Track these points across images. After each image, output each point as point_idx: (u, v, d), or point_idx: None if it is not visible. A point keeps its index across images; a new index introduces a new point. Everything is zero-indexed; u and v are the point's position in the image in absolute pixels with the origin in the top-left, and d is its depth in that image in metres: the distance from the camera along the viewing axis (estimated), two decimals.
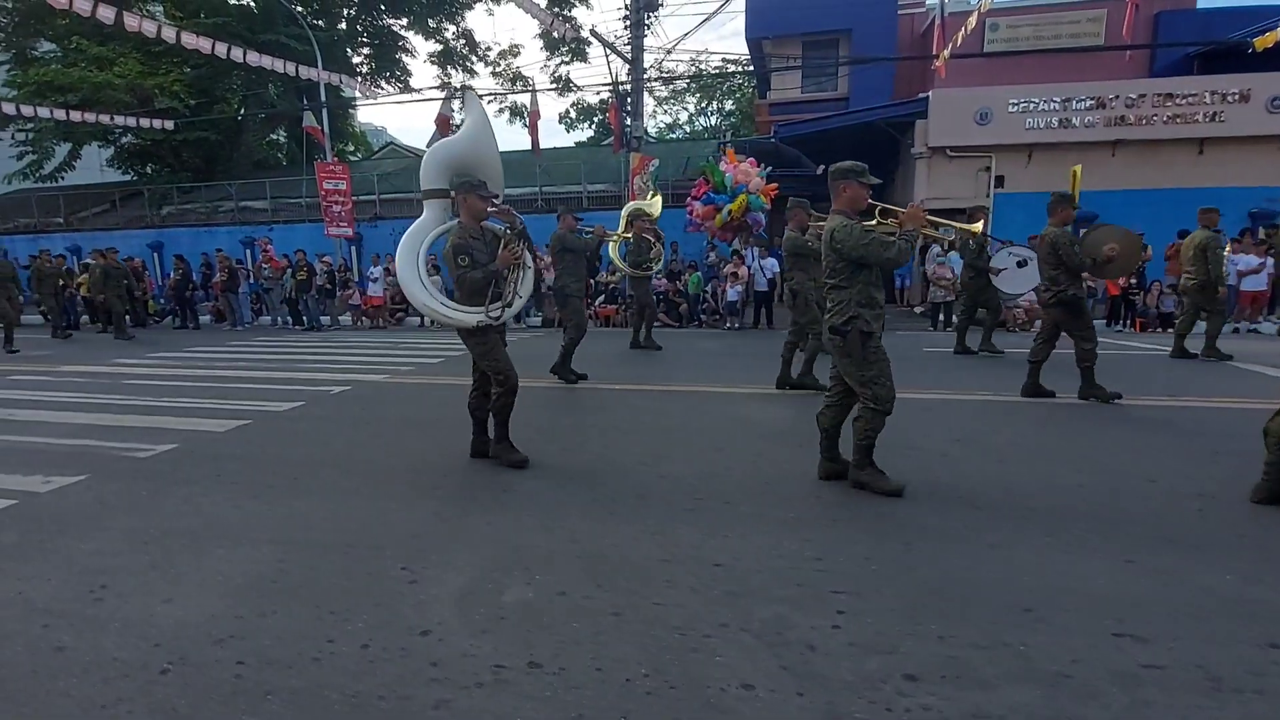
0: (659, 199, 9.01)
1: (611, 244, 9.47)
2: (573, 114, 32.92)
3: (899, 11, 18.34)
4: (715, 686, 1.92)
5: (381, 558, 2.83)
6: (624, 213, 9.71)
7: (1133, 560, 2.65)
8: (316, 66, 15.79)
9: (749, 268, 12.37)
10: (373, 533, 3.11)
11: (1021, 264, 8.19)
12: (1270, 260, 10.39)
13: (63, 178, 22.25)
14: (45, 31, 20.97)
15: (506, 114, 29.25)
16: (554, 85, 27.11)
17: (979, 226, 4.81)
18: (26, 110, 16.77)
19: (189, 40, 12.46)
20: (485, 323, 3.90)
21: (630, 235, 9.02)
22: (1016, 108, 13.78)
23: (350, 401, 6.18)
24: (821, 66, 19.25)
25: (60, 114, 16.54)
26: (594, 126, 33.09)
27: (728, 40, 66.31)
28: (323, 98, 17.96)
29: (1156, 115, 13.27)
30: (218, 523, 3.29)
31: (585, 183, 17.56)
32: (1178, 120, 13.22)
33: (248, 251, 18.18)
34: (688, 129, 35.61)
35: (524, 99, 25.55)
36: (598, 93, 28.50)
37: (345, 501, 3.55)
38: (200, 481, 3.91)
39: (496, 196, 4.12)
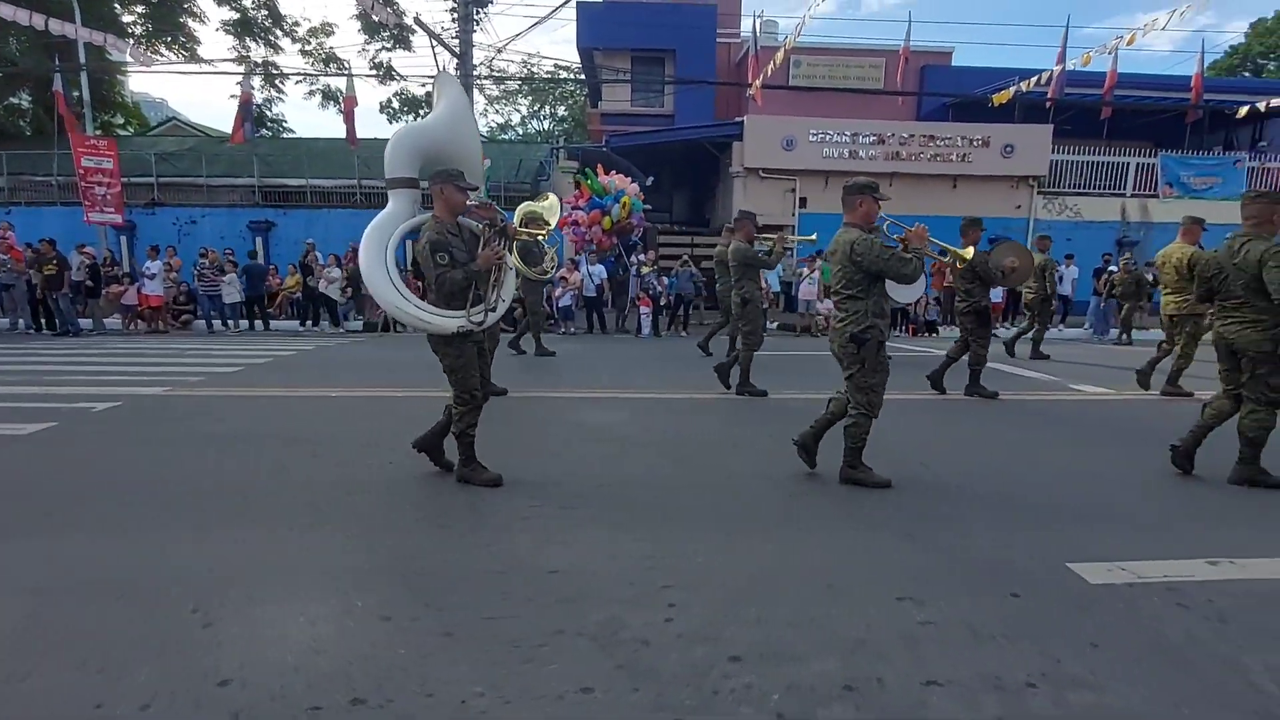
0: (554, 201, 8.69)
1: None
2: (396, 104, 31.04)
3: (717, 39, 19.68)
4: (552, 694, 1.92)
5: (166, 599, 2.45)
6: (519, 213, 9.33)
7: (912, 535, 3.08)
8: (74, 23, 13.31)
9: (580, 274, 12.52)
10: (155, 571, 2.68)
11: None
12: None
13: None
14: None
15: (318, 97, 26.86)
16: (374, 72, 25.38)
17: (970, 252, 5.12)
18: None
19: None
20: (466, 328, 3.55)
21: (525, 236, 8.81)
22: (815, 138, 15.43)
23: (121, 419, 5.29)
24: (648, 82, 20.05)
25: None
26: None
27: (561, 46, 66.78)
28: (81, 58, 15.17)
29: (922, 153, 15.60)
30: None
31: None
32: (938, 159, 15.64)
33: None
34: (520, 131, 35.24)
35: (339, 83, 23.62)
36: (423, 84, 27.13)
37: (118, 537, 3.03)
38: None
39: (475, 189, 3.76)
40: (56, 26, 12.71)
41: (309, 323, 12.92)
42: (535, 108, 34.57)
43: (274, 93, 26.53)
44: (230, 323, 12.60)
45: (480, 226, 3.67)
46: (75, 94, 15.33)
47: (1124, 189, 16.68)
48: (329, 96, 26.61)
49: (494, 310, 3.70)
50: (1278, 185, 16.33)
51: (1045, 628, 2.28)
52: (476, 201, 3.82)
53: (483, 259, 3.57)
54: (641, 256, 13.16)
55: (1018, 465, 4.27)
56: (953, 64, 19.82)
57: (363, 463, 4.12)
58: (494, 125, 34.87)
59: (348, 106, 15.46)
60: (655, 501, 3.49)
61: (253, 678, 2.01)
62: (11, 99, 22.29)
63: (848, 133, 15.47)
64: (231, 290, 12.35)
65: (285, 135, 26.39)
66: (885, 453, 4.46)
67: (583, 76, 23.78)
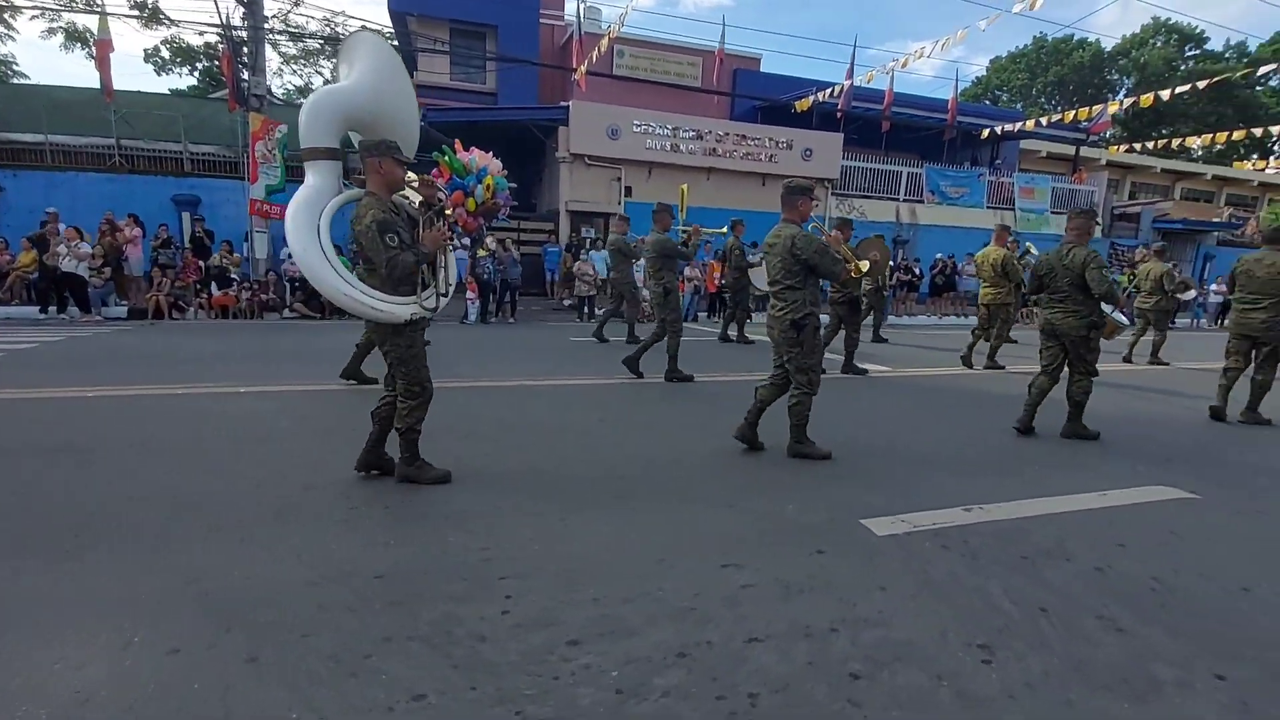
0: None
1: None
2: (165, 53, 26.65)
3: (541, 20, 19.38)
4: (381, 707, 1.80)
5: None
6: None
7: (732, 504, 3.32)
8: None
9: None
10: None
11: None
12: None
13: None
14: None
15: (60, 38, 22.24)
16: (136, 12, 21.52)
17: (866, 265, 5.34)
18: None
19: None
20: (419, 315, 3.30)
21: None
22: (639, 128, 15.87)
23: None
24: (469, 57, 19.22)
25: None
26: (198, 74, 27.33)
27: (367, 6, 61.24)
28: None
29: (735, 151, 16.72)
30: None
31: (187, 141, 14.40)
32: (749, 158, 16.87)
33: None
34: None
35: (90, 23, 19.68)
36: (201, 33, 23.55)
37: None
38: None
39: (413, 162, 3.44)
40: None
41: (50, 309, 10.71)
42: (339, 72, 31.57)
43: (3, 30, 21.45)
44: None
45: (412, 205, 3.42)
46: None
47: (898, 194, 19.28)
48: (75, 38, 22.10)
49: (444, 295, 3.47)
50: (1009, 197, 19.88)
51: (843, 578, 2.59)
52: (415, 178, 3.56)
53: (430, 240, 3.35)
54: (479, 240, 12.65)
55: (817, 435, 4.77)
56: (761, 69, 21.43)
57: (140, 473, 3.53)
58: (290, 88, 31.34)
59: (101, 52, 12.90)
60: (485, 493, 3.39)
61: None
62: None
63: (669, 126, 16.10)
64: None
65: (17, 81, 21.50)
66: (697, 428, 4.76)
67: (395, 43, 22.15)
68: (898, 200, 19.24)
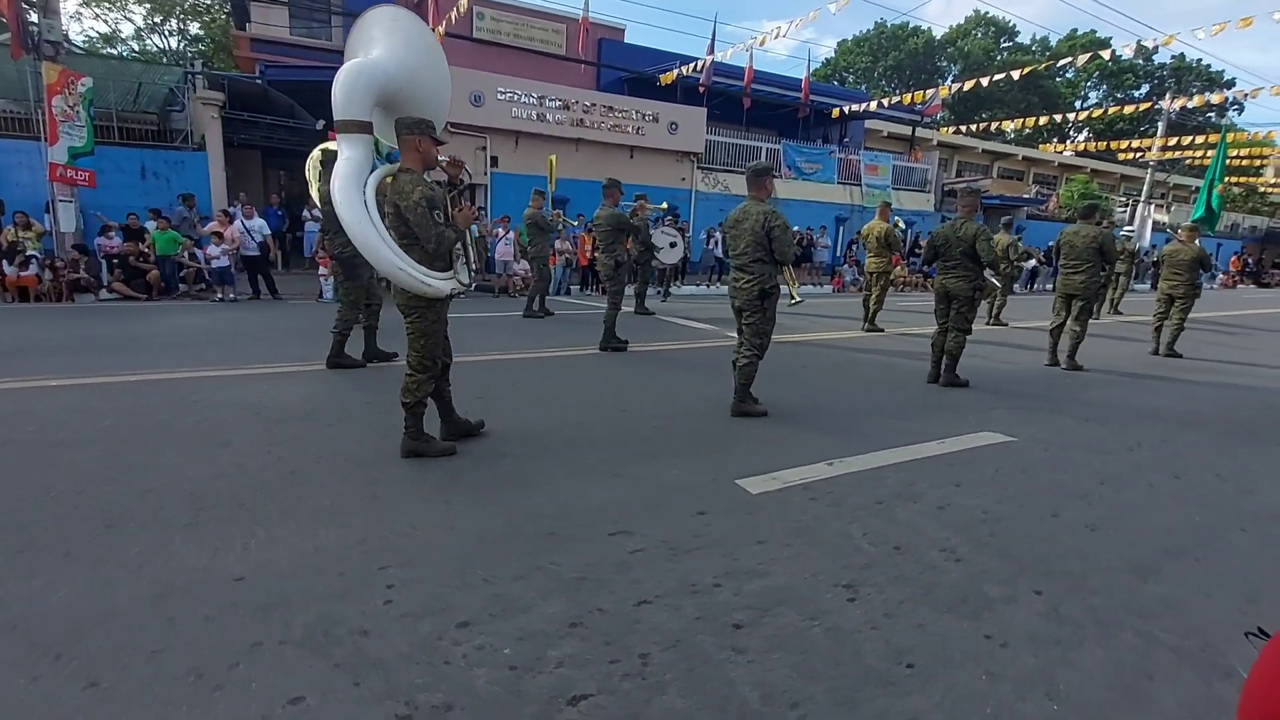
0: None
1: (314, 193, 7.41)
2: None
3: None
4: (255, 717, 1.67)
5: None
6: (313, 158, 7.13)
7: (619, 474, 3.38)
8: None
9: (237, 228, 10.61)
10: None
11: (673, 244, 11.70)
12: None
13: None
14: None
15: None
16: None
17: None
18: None
19: None
20: (458, 289, 3.47)
21: (322, 188, 6.88)
22: (504, 97, 15.32)
23: None
24: (311, 10, 17.51)
25: None
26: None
27: None
28: None
29: (603, 122, 16.63)
30: None
31: None
32: (616, 129, 16.85)
33: None
34: (135, 47, 27.89)
35: None
36: None
37: None
38: None
39: (446, 142, 3.50)
40: None
41: None
42: (155, 20, 27.65)
43: None
44: None
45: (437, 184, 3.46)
46: None
47: None
48: None
49: (475, 271, 3.60)
50: (856, 173, 21.40)
51: (724, 535, 2.73)
52: (447, 158, 3.65)
53: (462, 218, 3.51)
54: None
55: (694, 402, 4.95)
56: (626, 40, 21.35)
57: None
58: (93, 35, 27.03)
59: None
60: (358, 480, 3.20)
61: None
62: None
63: (535, 95, 15.67)
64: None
65: None
66: (588, 403, 4.78)
67: None
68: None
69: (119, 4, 26.50)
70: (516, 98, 15.42)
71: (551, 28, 19.57)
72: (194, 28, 28.09)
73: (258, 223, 10.92)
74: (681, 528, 2.78)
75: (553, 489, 3.18)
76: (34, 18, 10.71)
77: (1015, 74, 17.42)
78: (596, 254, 7.46)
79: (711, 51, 17.31)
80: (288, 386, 4.95)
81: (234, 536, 2.60)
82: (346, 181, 3.34)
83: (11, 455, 3.40)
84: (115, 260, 10.46)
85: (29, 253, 10.00)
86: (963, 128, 25.95)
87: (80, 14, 25.68)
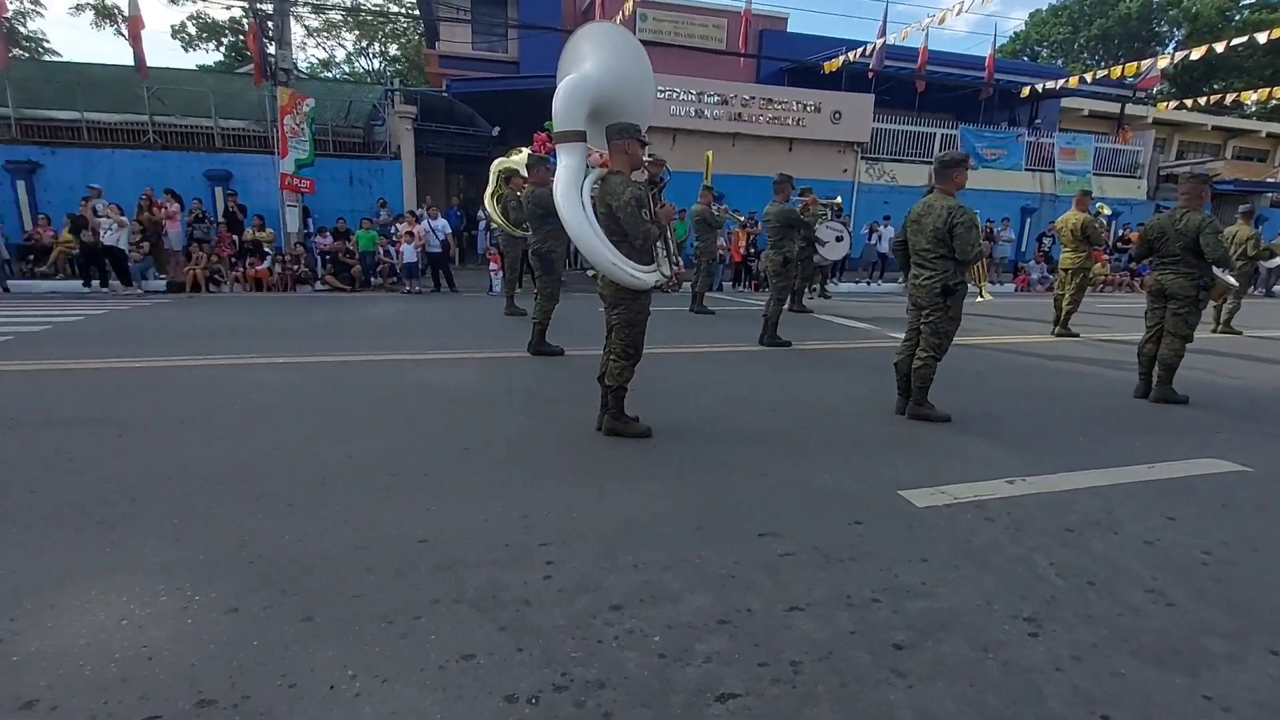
0: (529, 152, 8.15)
1: (487, 197, 8.73)
2: (192, 29, 26.79)
3: None
4: (433, 666, 1.85)
5: None
6: (495, 168, 8.54)
7: (766, 474, 3.31)
8: None
9: (423, 228, 11.78)
10: None
11: (839, 239, 10.71)
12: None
13: None
14: None
15: (90, 15, 22.48)
16: None
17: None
18: None
19: None
20: (660, 281, 3.72)
21: (503, 192, 8.31)
22: (663, 94, 15.54)
23: None
24: (491, 25, 18.97)
25: None
26: (224, 49, 27.45)
27: None
28: None
29: (762, 115, 16.32)
30: None
31: (217, 116, 14.50)
32: (775, 121, 16.46)
33: None
34: (346, 69, 31.98)
35: (118, 1, 19.78)
36: (227, 7, 23.59)
37: None
38: None
39: (650, 143, 3.74)
40: None
41: (94, 282, 10.99)
42: (363, 44, 31.46)
43: (31, 6, 21.71)
44: None
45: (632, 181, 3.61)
46: None
47: (931, 157, 18.71)
48: (104, 14, 22.30)
49: (676, 265, 3.87)
50: (1048, 158, 19.16)
51: (883, 548, 2.58)
52: (650, 157, 3.80)
53: (664, 214, 3.69)
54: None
55: (850, 403, 4.72)
56: (788, 30, 20.79)
57: (184, 441, 3.63)
58: (313, 61, 31.36)
59: (133, 29, 12.95)
60: (524, 461, 3.43)
61: (66, 698, 1.72)
62: None
63: (694, 91, 15.76)
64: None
65: (49, 59, 21.82)
66: (738, 399, 4.74)
67: (416, 13, 21.94)
68: (931, 164, 18.68)
69: (334, 33, 30.50)
70: (675, 95, 15.60)
71: (712, 23, 19.57)
72: (393, 49, 31.58)
73: (440, 223, 12.06)
74: (835, 535, 2.67)
75: (700, 484, 3.19)
76: (271, 49, 12.65)
77: (1261, 36, 14.58)
78: (765, 250, 7.40)
79: (883, 33, 16.33)
80: (461, 372, 5.43)
81: (419, 502, 2.90)
82: (567, 187, 3.59)
83: (252, 419, 4.06)
84: (327, 256, 12.09)
85: (264, 249, 11.85)
86: (1187, 102, 22.20)
87: (305, 44, 29.94)
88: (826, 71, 16.47)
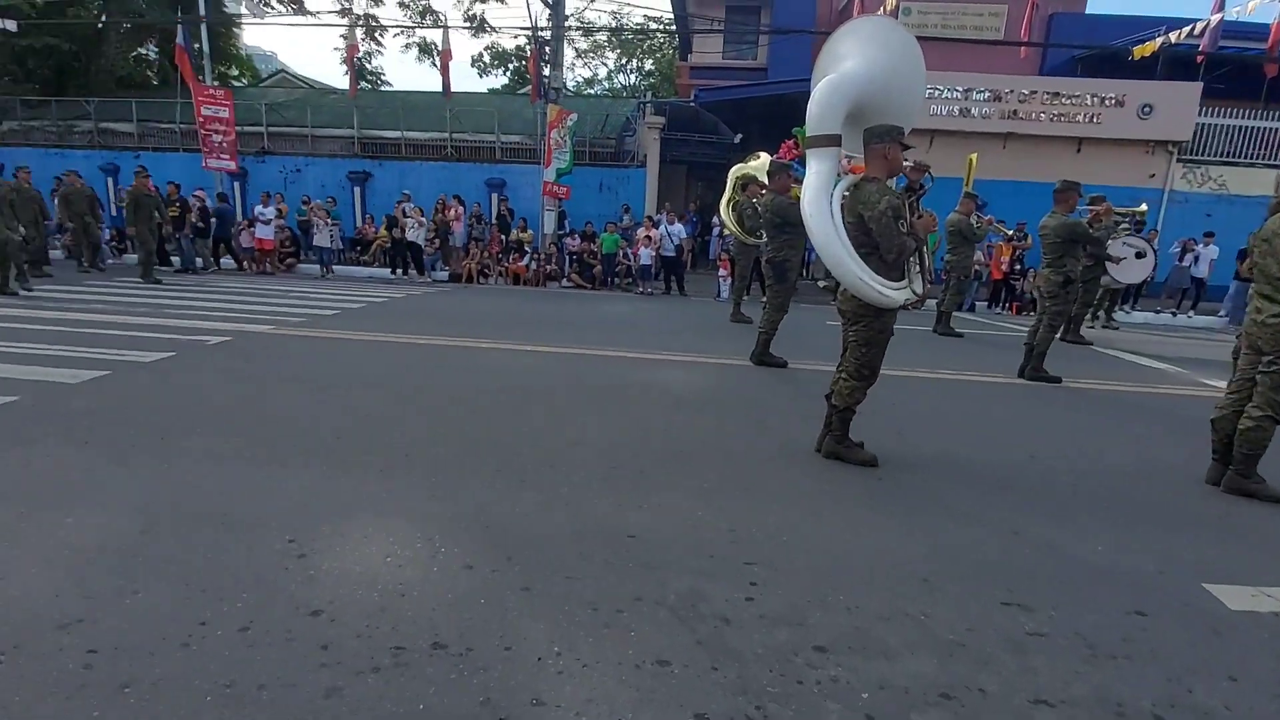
0: (766, 158, 8.21)
1: (723, 204, 8.92)
2: (486, 58, 31.32)
3: None
4: (630, 663, 1.88)
5: (265, 529, 2.57)
6: (733, 175, 8.84)
7: (1019, 532, 2.84)
8: None
9: (660, 232, 12.32)
10: (254, 501, 2.83)
11: (1140, 255, 8.55)
12: None
13: None
14: None
15: (415, 51, 27.44)
16: (468, 24, 25.55)
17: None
18: None
19: None
20: (910, 299, 3.40)
21: (740, 199, 8.39)
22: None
23: (230, 353, 5.63)
24: (742, 33, 19.21)
25: None
26: (508, 73, 31.67)
27: None
28: (202, 10, 15.97)
29: (1044, 112, 14.23)
30: (68, 487, 2.88)
31: (499, 133, 16.76)
32: (1061, 119, 14.24)
33: (110, 180, 16.15)
34: (606, 85, 34.82)
35: (436, 37, 23.93)
36: (514, 36, 27.19)
37: (222, 466, 3.21)
38: (44, 440, 3.42)
39: (913, 146, 3.40)
40: None
41: (398, 271, 13.39)
42: (622, 61, 33.97)
43: (374, 46, 27.28)
44: (320, 266, 13.26)
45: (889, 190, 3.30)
46: (195, 46, 16.19)
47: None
48: (425, 50, 27.07)
49: (930, 281, 3.52)
50: None
51: (1174, 652, 2.04)
52: (911, 163, 3.56)
53: (923, 225, 3.38)
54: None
55: (1137, 462, 3.87)
56: (1086, 11, 17.89)
57: (447, 413, 4.21)
58: (579, 80, 34.60)
59: (444, 60, 15.62)
60: (738, 472, 3.38)
61: (341, 613, 2.07)
62: (140, 50, 23.87)
63: (960, 88, 14.30)
64: (323, 235, 12.99)
65: (384, 89, 27.13)
66: (986, 438, 4.16)
67: (673, 28, 23.08)
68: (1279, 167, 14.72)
69: (599, 54, 33.35)
70: (937, 93, 14.30)
71: (989, 10, 17.59)
72: (648, 64, 33.61)
73: (677, 228, 12.52)
74: (1105, 622, 2.18)
75: (932, 529, 2.84)
76: (546, 71, 14.20)
77: None
78: (1039, 268, 6.22)
79: (1221, 8, 13.25)
80: (685, 375, 5.54)
81: (632, 498, 3.00)
82: (817, 194, 3.37)
83: (500, 399, 4.57)
84: (574, 256, 13.26)
85: (525, 248, 13.38)
86: None
87: (574, 64, 33.16)
88: (1136, 57, 13.81)
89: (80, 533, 2.49)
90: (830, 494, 3.16)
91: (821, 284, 13.15)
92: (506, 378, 5.18)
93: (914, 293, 3.40)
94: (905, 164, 3.55)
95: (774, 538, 2.67)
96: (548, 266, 13.29)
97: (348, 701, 1.71)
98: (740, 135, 15.21)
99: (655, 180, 15.58)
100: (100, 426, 3.67)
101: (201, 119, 13.96)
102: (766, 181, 7.73)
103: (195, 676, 1.77)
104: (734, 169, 9.02)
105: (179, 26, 16.07)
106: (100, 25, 21.13)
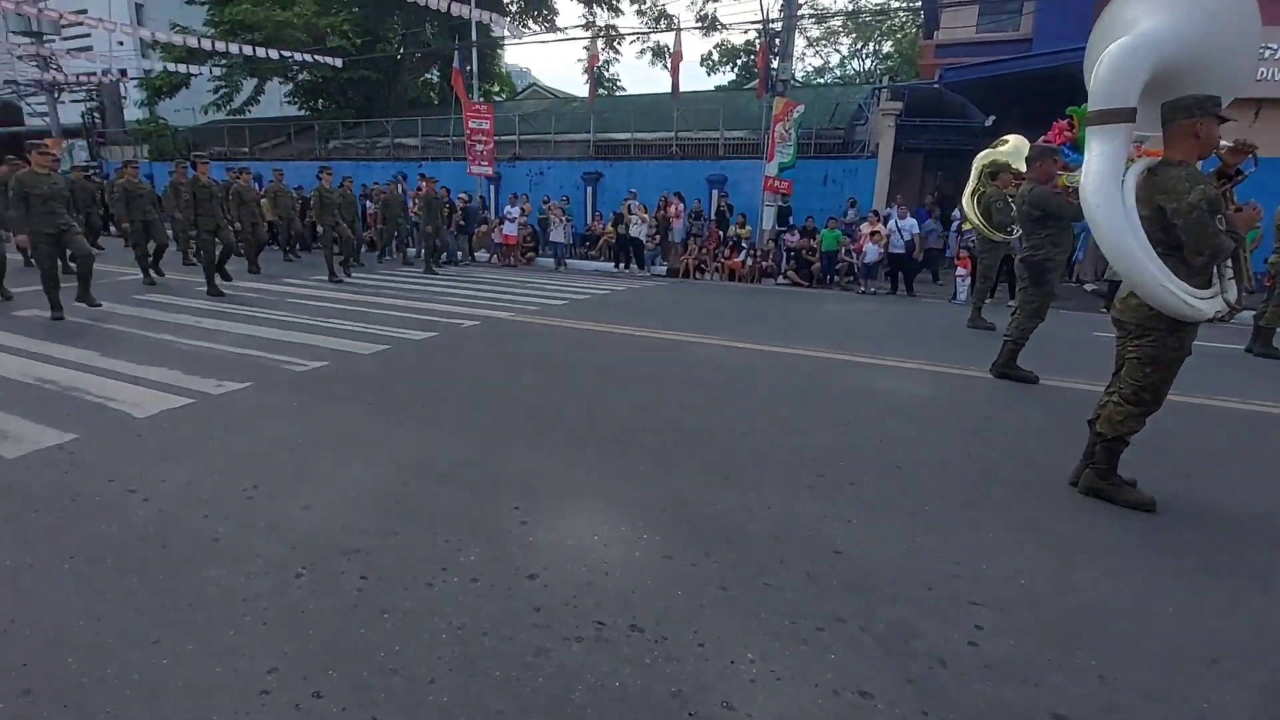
0: (1019, 144, 7.19)
1: (965, 196, 8.00)
2: (715, 56, 31.80)
3: None
4: (827, 687, 1.76)
5: (497, 494, 2.88)
6: (978, 163, 7.94)
7: None
8: (469, 4, 16.13)
9: (890, 227, 11.45)
10: (491, 468, 3.18)
11: None
12: None
13: (249, 111, 24.65)
14: None
15: (649, 55, 28.87)
16: (699, 24, 26.15)
17: None
18: (220, 46, 18.62)
19: None
20: (1222, 312, 2.80)
21: (988, 190, 7.58)
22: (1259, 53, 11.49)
23: (478, 336, 6.42)
24: (1002, 2, 17.05)
25: (247, 50, 18.24)
26: (736, 69, 31.84)
27: None
28: (473, 35, 18.41)
29: None
30: (354, 439, 3.51)
31: (723, 129, 16.91)
32: None
33: (399, 186, 19.40)
34: (838, 73, 33.33)
35: (667, 39, 24.93)
36: (745, 32, 27.21)
37: (468, 433, 3.67)
38: (343, 399, 4.20)
39: (1230, 119, 2.75)
40: (457, 9, 15.58)
41: (621, 265, 14.20)
42: (857, 46, 32.19)
43: (612, 54, 29.22)
44: (554, 260, 14.54)
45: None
46: (467, 68, 18.69)
47: None
48: (658, 54, 28.32)
49: (1249, 290, 2.88)
50: None
51: None
52: (1232, 142, 2.93)
53: (1244, 219, 2.82)
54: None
55: None
56: None
57: (662, 404, 4.34)
58: (809, 69, 33.53)
59: (675, 61, 16.17)
60: (966, 497, 3.01)
61: (554, 580, 2.23)
62: (426, 75, 28.26)
63: None
64: (559, 231, 14.22)
65: (618, 94, 28.96)
66: None
67: (919, 4, 21.26)
68: None
69: (832, 40, 31.95)
70: (1270, 53, 11.38)
71: None
72: (886, 46, 31.43)
73: (909, 222, 11.56)
74: None
75: (1228, 594, 2.27)
76: (774, 64, 13.95)
77: None
78: None
79: None
80: (907, 383, 5.09)
81: (840, 510, 2.83)
82: (1104, 181, 2.81)
83: (714, 394, 4.61)
84: (791, 253, 12.90)
85: (742, 244, 13.35)
86: None
87: (804, 54, 32.18)
88: None
89: (361, 478, 3.01)
90: (1087, 537, 2.67)
91: (1090, 287, 11.25)
92: (715, 372, 5.21)
93: (1226, 303, 2.76)
94: (1222, 145, 2.75)
95: (1008, 579, 2.32)
96: (763, 263, 13.13)
97: (554, 662, 1.84)
98: (993, 117, 13.56)
99: (887, 171, 14.54)
100: (379, 392, 4.41)
101: (469, 131, 16.09)
102: (1022, 169, 6.73)
103: (435, 615, 2.04)
104: (979, 156, 8.03)
105: (455, 52, 18.72)
106: (399, 56, 25.42)
